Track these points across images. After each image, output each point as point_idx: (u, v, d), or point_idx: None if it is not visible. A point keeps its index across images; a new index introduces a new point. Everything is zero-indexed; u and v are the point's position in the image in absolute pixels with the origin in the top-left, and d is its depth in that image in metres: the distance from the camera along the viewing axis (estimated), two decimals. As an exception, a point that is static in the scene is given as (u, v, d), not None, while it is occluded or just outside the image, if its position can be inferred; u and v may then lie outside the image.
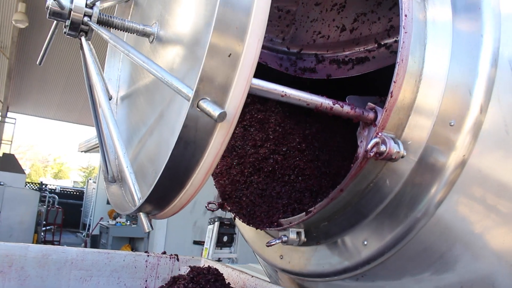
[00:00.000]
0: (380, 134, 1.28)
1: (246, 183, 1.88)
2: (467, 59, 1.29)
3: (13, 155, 16.88)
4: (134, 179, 1.37)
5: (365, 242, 1.48)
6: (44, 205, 15.88)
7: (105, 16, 1.48)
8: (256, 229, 1.80)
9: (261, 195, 1.82)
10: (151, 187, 1.18)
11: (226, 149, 1.89)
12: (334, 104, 1.39)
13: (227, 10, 0.96)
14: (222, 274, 1.89)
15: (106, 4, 1.49)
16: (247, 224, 1.80)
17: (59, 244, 15.18)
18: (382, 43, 1.99)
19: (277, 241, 1.57)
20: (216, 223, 7.52)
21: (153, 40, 1.54)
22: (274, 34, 2.29)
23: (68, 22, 1.42)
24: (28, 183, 22.53)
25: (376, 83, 1.76)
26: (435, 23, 1.34)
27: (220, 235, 7.61)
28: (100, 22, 1.47)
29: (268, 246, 1.61)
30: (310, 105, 1.36)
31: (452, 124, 1.27)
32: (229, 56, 0.98)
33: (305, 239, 1.59)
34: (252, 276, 1.95)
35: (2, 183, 12.72)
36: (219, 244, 7.69)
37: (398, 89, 1.27)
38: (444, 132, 1.29)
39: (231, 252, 8.00)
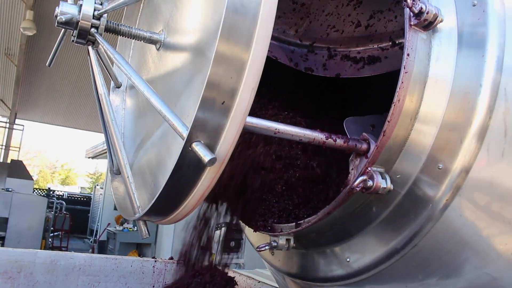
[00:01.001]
0: (369, 169, 1.31)
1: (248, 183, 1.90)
2: (463, 104, 1.29)
3: (21, 161, 16.99)
4: (134, 188, 1.44)
5: (348, 259, 1.54)
6: (52, 211, 15.96)
7: (113, 24, 1.50)
8: (254, 231, 1.84)
9: (261, 197, 1.85)
10: (149, 196, 1.25)
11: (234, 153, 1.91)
12: (327, 139, 1.42)
13: (223, 59, 1.00)
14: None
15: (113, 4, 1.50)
16: (242, 222, 1.85)
17: (66, 250, 15.23)
18: (397, 42, 1.99)
19: (267, 247, 1.64)
20: (223, 228, 7.52)
21: (159, 47, 1.56)
22: (287, 26, 2.28)
23: (75, 33, 1.44)
24: (36, 189, 22.66)
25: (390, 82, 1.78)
26: (438, 61, 1.33)
27: (227, 240, 7.60)
28: (108, 30, 1.48)
29: (257, 250, 1.67)
30: (303, 140, 1.39)
31: (440, 167, 1.29)
32: (222, 103, 1.02)
33: (294, 245, 1.65)
34: (259, 282, 1.96)
35: (10, 190, 12.79)
36: (226, 249, 7.68)
37: (392, 128, 1.29)
38: (432, 172, 1.31)
39: (238, 258, 7.99)
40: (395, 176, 1.35)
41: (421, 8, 1.27)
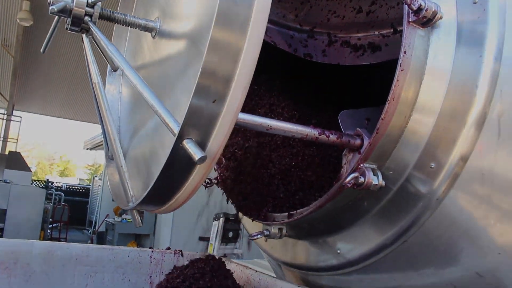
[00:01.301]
0: (361, 165, 1.31)
1: (246, 172, 1.90)
2: (459, 103, 1.28)
3: (19, 153, 16.94)
4: (128, 178, 1.44)
5: (338, 251, 1.57)
6: (51, 202, 15.94)
7: (107, 11, 1.48)
8: (249, 218, 1.85)
9: (258, 186, 1.85)
10: (143, 185, 1.27)
11: (230, 148, 1.90)
12: (320, 135, 1.41)
13: (215, 56, 0.98)
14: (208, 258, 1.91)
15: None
16: (237, 209, 1.87)
17: (65, 241, 15.26)
18: (399, 29, 1.96)
19: (260, 235, 1.66)
20: (221, 219, 7.53)
21: (155, 35, 1.54)
22: (287, 11, 2.25)
23: (69, 20, 1.42)
24: (35, 180, 22.65)
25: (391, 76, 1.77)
26: (436, 58, 1.31)
27: (225, 231, 7.62)
28: (102, 17, 1.46)
29: (250, 239, 1.70)
30: (295, 136, 1.38)
31: (432, 166, 1.29)
32: (213, 102, 1.01)
33: (287, 234, 1.67)
34: (256, 271, 1.96)
35: (8, 181, 12.77)
36: (224, 240, 7.70)
37: (385, 126, 1.28)
38: (425, 169, 1.30)
39: (236, 248, 8.00)
40: (387, 172, 1.34)
41: (420, 5, 1.25)
